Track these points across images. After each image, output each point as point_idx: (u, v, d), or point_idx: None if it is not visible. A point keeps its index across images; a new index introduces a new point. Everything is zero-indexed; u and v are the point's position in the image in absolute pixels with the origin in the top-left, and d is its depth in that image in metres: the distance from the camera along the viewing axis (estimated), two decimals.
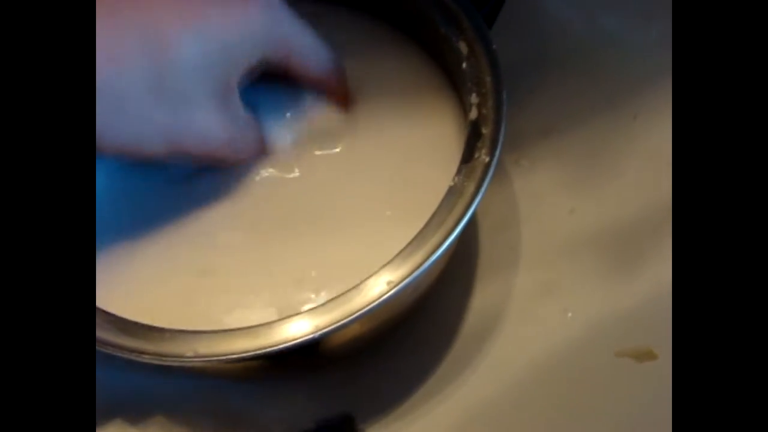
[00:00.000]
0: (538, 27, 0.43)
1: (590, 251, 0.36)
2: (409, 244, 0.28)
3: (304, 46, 0.33)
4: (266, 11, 0.31)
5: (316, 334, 0.26)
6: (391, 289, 0.27)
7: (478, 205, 0.28)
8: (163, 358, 0.27)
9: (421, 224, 0.28)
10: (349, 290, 0.27)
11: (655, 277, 0.35)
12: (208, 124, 0.30)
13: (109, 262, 0.32)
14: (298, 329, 0.27)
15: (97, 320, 0.28)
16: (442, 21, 0.34)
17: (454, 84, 0.35)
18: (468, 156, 0.30)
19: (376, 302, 0.27)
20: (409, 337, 0.35)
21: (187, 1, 0.29)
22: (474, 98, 0.31)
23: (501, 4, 0.36)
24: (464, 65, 0.32)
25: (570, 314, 0.34)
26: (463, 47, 0.33)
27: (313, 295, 0.31)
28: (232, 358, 0.27)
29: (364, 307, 0.27)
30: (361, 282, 0.27)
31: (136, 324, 0.28)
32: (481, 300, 0.35)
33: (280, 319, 0.27)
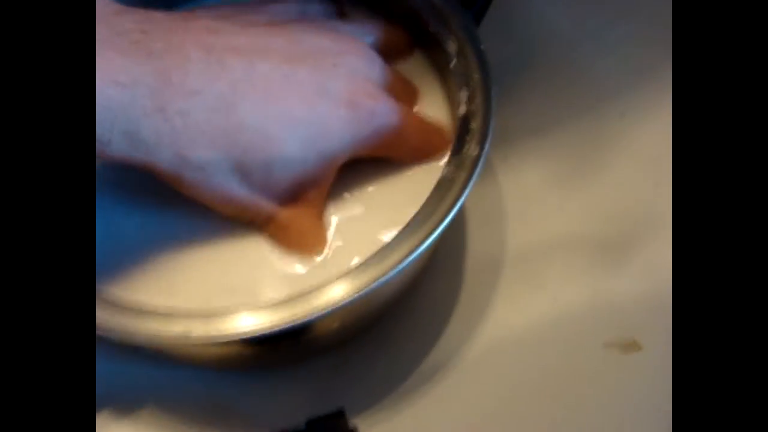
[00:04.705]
0: (525, 26, 0.43)
1: (578, 247, 0.37)
2: (401, 230, 0.28)
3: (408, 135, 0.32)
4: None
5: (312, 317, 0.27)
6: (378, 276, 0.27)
7: (468, 194, 0.29)
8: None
9: (410, 214, 0.29)
10: (338, 278, 0.28)
11: (641, 271, 0.36)
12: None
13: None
14: (280, 317, 0.27)
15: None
16: (432, 20, 0.35)
17: (444, 81, 0.36)
18: (458, 149, 0.30)
19: (362, 291, 0.27)
20: (397, 328, 0.35)
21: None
22: (463, 94, 0.32)
23: (489, 4, 0.36)
24: (453, 63, 0.33)
25: (558, 307, 0.35)
26: (451, 46, 0.34)
27: None
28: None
29: (351, 296, 0.27)
30: (349, 270, 0.28)
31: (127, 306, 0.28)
32: (468, 292, 0.36)
33: (260, 306, 0.27)
